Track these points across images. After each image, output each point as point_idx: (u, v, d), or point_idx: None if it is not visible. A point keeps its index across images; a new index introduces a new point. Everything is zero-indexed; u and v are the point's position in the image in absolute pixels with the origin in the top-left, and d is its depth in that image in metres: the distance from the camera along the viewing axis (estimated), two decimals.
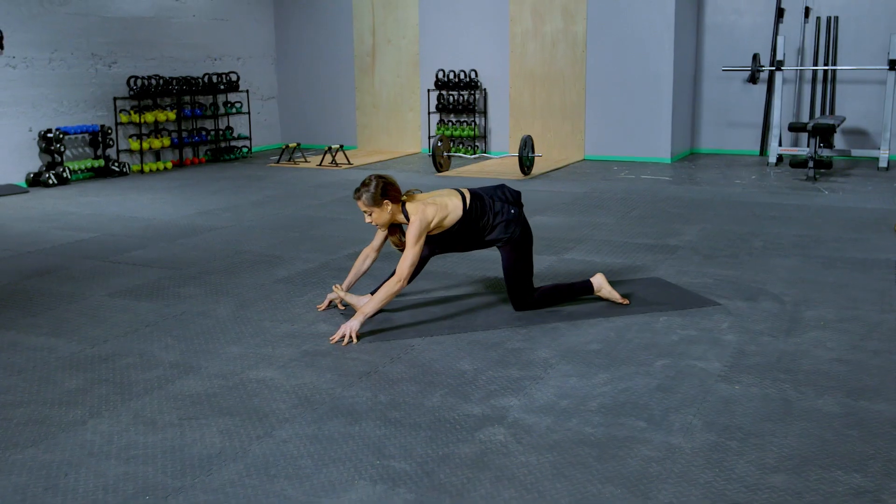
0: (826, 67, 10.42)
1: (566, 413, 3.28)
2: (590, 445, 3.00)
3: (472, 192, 4.49)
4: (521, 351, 4.00)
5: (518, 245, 4.49)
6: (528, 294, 4.57)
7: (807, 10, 10.61)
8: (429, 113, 11.92)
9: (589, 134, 11.13)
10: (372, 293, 4.51)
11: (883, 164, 9.68)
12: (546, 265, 5.57)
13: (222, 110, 11.79)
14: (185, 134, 11.22)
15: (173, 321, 4.52)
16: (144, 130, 10.73)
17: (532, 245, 4.56)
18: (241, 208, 7.91)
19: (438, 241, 4.49)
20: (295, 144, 11.26)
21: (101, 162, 10.06)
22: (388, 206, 4.28)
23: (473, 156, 10.65)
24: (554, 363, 3.83)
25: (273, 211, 7.75)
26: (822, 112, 10.78)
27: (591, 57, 10.92)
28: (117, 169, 10.16)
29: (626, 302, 4.66)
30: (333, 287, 4.62)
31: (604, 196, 8.28)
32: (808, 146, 10.45)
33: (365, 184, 4.29)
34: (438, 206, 4.34)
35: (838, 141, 10.70)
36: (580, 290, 4.67)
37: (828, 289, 4.94)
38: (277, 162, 11.18)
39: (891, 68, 9.58)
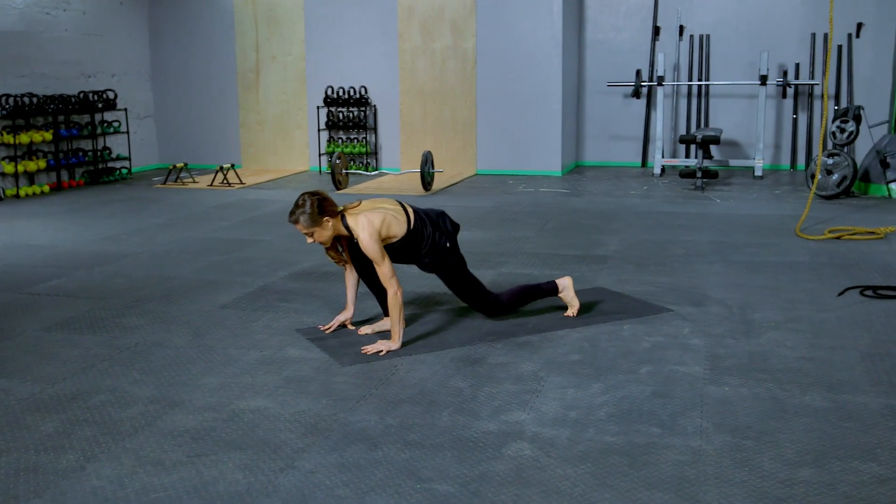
0: (707, 83, 11.04)
1: (580, 424, 3.34)
2: (618, 454, 3.07)
3: (416, 212, 4.42)
4: (506, 365, 4.03)
5: (451, 270, 4.51)
6: (488, 299, 4.60)
7: (681, 29, 11.22)
8: (318, 130, 11.78)
9: (480, 149, 11.31)
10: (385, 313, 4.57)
11: (758, 172, 10.35)
12: (488, 279, 5.61)
13: (99, 130, 11.21)
14: (61, 155, 10.59)
15: (129, 354, 4.27)
16: (18, 152, 10.05)
17: (465, 264, 4.58)
18: (147, 232, 7.55)
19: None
20: (182, 164, 10.84)
21: None
22: (329, 223, 4.18)
23: (373, 172, 10.60)
24: (543, 376, 3.88)
25: (183, 234, 7.44)
26: (698, 125, 11.42)
27: (482, 73, 11.13)
28: None
29: (573, 314, 4.73)
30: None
31: (513, 210, 8.44)
32: (685, 157, 11.08)
33: (299, 205, 4.16)
34: (385, 214, 4.23)
35: (713, 152, 11.35)
36: (547, 291, 4.74)
37: (762, 292, 5.24)
38: (164, 183, 10.74)
39: (762, 83, 10.28)
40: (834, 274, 5.64)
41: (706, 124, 11.38)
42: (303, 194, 4.22)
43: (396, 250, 4.36)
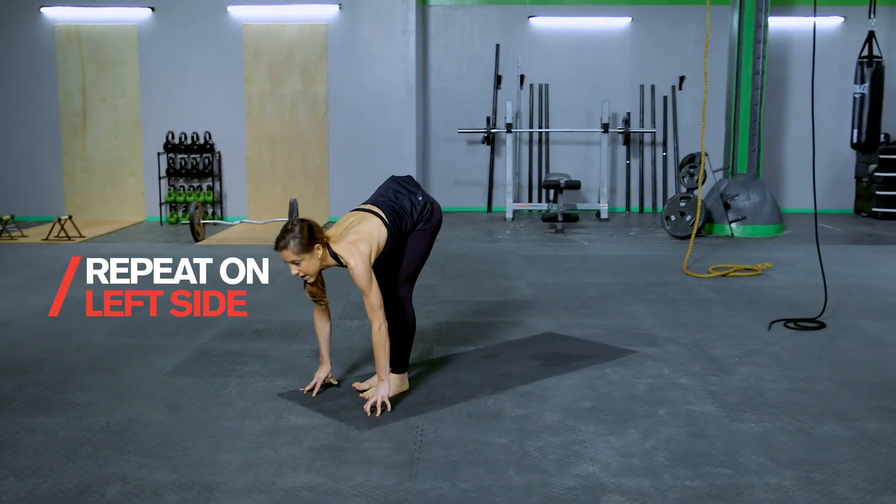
0: (552, 130, 11.58)
1: (650, 472, 3.36)
2: (711, 498, 3.12)
3: (381, 208, 4.12)
4: (528, 417, 3.97)
5: (433, 230, 4.31)
6: (404, 292, 4.29)
7: (522, 78, 11.72)
8: (159, 178, 11.06)
9: (333, 195, 11.13)
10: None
11: (604, 215, 10.97)
12: (430, 331, 5.52)
13: None
14: None
15: (109, 435, 3.77)
16: None
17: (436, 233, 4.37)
18: (9, 294, 6.71)
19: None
20: (8, 217, 9.77)
21: None
22: (319, 251, 3.94)
23: (237, 222, 10.11)
24: (573, 425, 3.86)
25: (55, 295, 6.67)
26: (539, 170, 11.93)
27: (334, 118, 10.99)
28: None
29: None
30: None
31: None
32: (528, 200, 11.55)
33: (288, 230, 3.91)
34: (369, 238, 3.97)
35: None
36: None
37: (701, 329, 5.54)
38: None
39: (605, 131, 10.95)
40: (746, 309, 6.07)
41: (547, 170, 11.92)
42: (291, 220, 4.02)
43: (386, 254, 4.11)
